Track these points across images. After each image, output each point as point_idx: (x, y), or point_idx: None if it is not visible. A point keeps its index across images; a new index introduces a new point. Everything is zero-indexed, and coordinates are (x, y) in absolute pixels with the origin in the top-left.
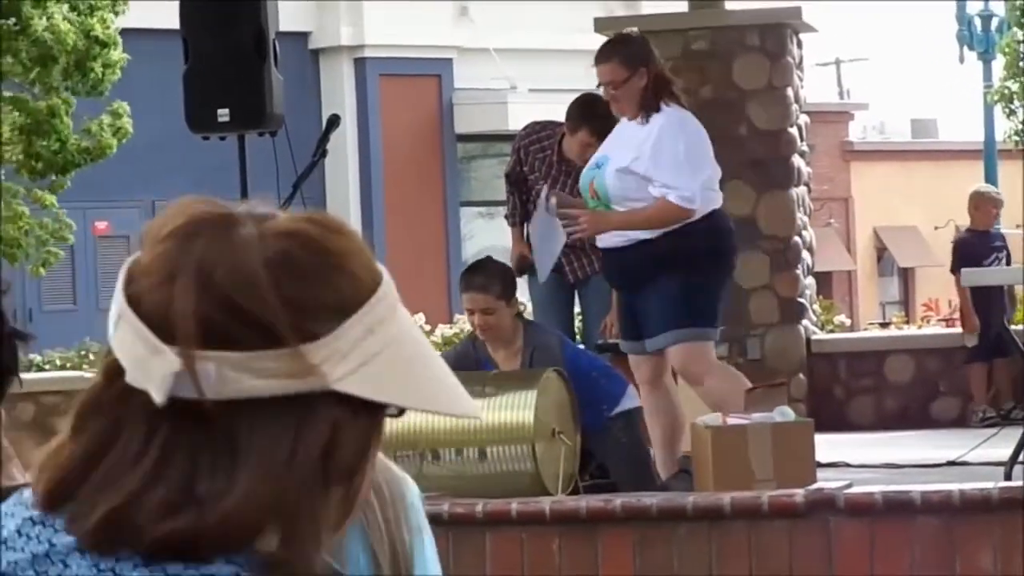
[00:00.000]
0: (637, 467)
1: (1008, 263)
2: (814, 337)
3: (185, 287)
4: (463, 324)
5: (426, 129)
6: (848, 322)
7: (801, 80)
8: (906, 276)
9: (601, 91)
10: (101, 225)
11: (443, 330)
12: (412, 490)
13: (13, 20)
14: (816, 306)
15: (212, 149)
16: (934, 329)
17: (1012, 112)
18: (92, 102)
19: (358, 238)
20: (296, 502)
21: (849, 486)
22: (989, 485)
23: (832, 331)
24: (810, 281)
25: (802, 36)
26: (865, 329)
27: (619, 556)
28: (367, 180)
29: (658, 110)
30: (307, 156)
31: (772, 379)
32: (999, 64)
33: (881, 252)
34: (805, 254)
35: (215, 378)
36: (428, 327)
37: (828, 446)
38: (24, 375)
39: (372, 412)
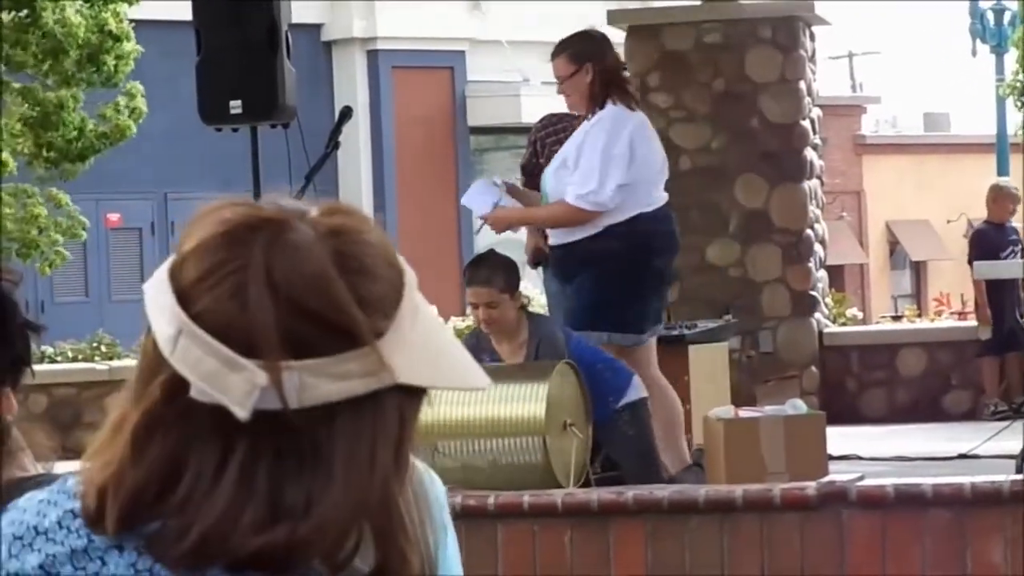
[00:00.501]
0: (644, 459)
1: (1023, 256)
2: (826, 330)
3: (260, 298)
4: None
5: (439, 122)
6: (860, 315)
7: (814, 73)
8: (918, 269)
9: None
10: (113, 217)
11: (455, 322)
12: (437, 486)
13: (25, 12)
14: (828, 299)
15: (224, 141)
16: (946, 322)
17: None
18: (105, 92)
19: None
20: (382, 500)
21: (861, 479)
22: (1000, 478)
23: (844, 324)
24: (822, 274)
25: (815, 29)
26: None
27: (631, 548)
28: (379, 172)
29: (603, 107)
30: (319, 148)
31: (784, 372)
32: (1011, 57)
33: (893, 245)
34: (817, 247)
35: (298, 387)
36: (441, 320)
37: (840, 439)
38: (36, 367)
39: (421, 398)
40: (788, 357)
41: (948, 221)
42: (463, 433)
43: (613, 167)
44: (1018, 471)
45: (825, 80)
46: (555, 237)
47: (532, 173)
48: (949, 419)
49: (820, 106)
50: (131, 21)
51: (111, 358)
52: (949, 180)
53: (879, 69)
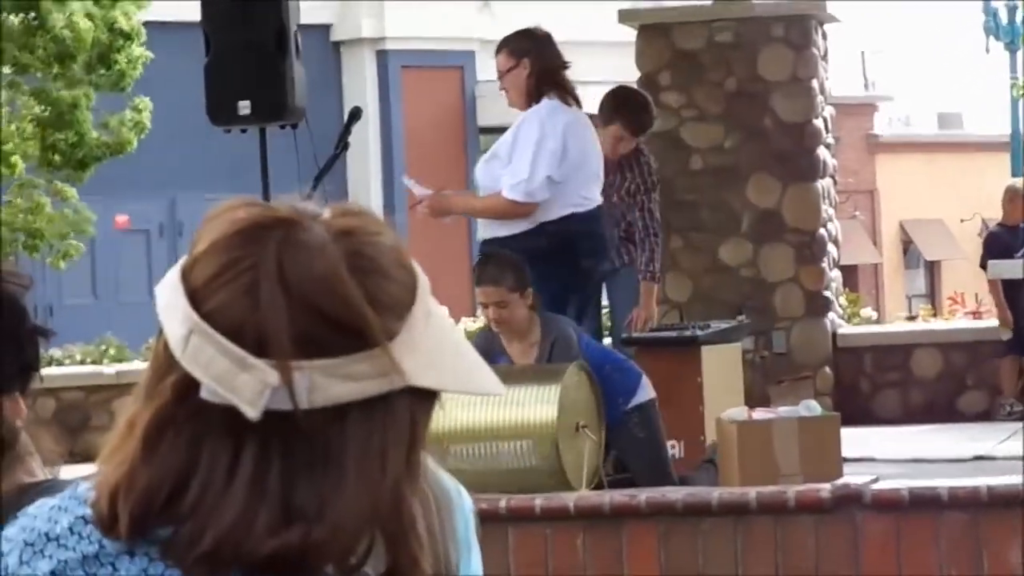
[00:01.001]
0: (654, 462)
1: None
2: (840, 330)
3: (272, 297)
4: None
5: (449, 122)
6: (874, 315)
7: (826, 72)
8: (932, 269)
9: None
10: (121, 219)
11: (466, 323)
12: (466, 502)
13: (32, 15)
14: (842, 299)
15: (233, 142)
16: (961, 323)
17: None
18: (113, 97)
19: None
20: (394, 503)
21: (875, 481)
22: (1017, 480)
23: (858, 324)
24: (836, 274)
25: (827, 27)
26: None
27: (644, 551)
28: (389, 173)
29: (538, 102)
30: (328, 149)
31: (798, 373)
32: None
33: (907, 245)
34: (831, 247)
35: (309, 388)
36: (453, 323)
37: (854, 440)
38: (44, 371)
39: (434, 400)
40: (802, 358)
41: (962, 220)
42: (474, 437)
43: (544, 159)
44: None
45: (838, 79)
46: (486, 230)
47: None
48: (964, 420)
49: (833, 105)
50: (141, 23)
51: (119, 361)
52: (963, 179)
53: (892, 67)
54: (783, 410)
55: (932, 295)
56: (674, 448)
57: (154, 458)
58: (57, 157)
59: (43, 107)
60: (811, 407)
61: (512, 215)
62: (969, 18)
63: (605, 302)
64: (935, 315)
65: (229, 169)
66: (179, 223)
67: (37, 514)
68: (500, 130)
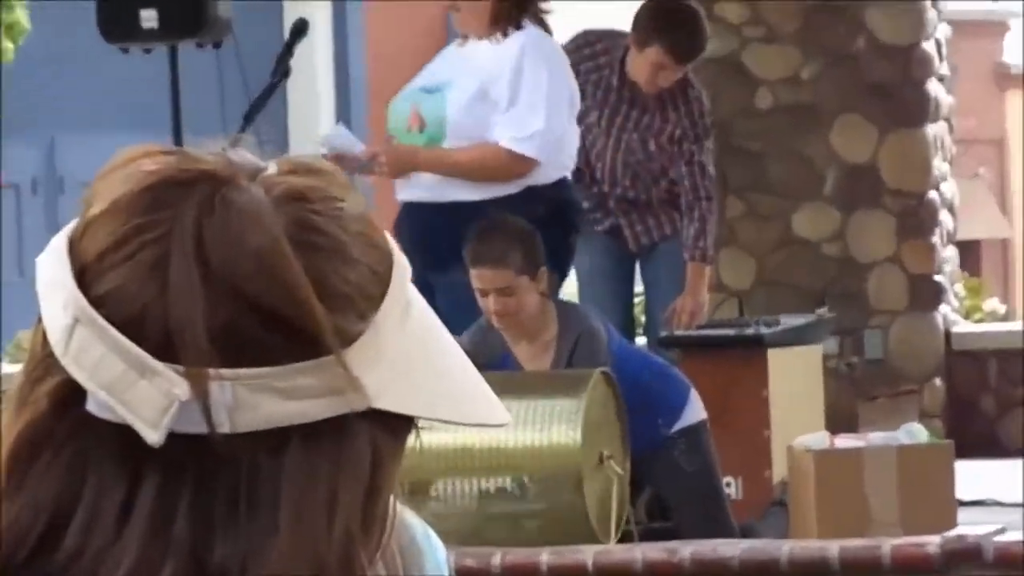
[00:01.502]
0: (704, 504)
1: None
2: (955, 329)
3: (186, 279)
4: None
5: (424, 45)
6: (1003, 309)
7: None
8: None
9: None
10: None
11: None
12: (438, 552)
13: None
14: (959, 287)
15: (133, 66)
16: None
17: None
18: None
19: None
20: (343, 562)
21: (1000, 532)
22: None
23: (980, 321)
24: (951, 252)
25: None
26: None
27: None
28: (346, 112)
29: (518, 27)
30: (263, 77)
31: (898, 386)
32: None
33: None
34: (944, 215)
35: (232, 405)
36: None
37: (973, 477)
38: None
39: (407, 430)
40: (903, 365)
41: None
42: (463, 469)
43: (561, 108)
44: None
45: None
46: (419, 191)
47: None
48: None
49: (949, 23)
50: None
51: None
52: None
53: None
54: (877, 436)
55: None
56: (731, 486)
57: (23, 487)
58: None
59: None
60: (915, 432)
61: (507, 175)
62: None
63: (638, 289)
64: None
65: (127, 104)
66: (59, 177)
67: None
68: None
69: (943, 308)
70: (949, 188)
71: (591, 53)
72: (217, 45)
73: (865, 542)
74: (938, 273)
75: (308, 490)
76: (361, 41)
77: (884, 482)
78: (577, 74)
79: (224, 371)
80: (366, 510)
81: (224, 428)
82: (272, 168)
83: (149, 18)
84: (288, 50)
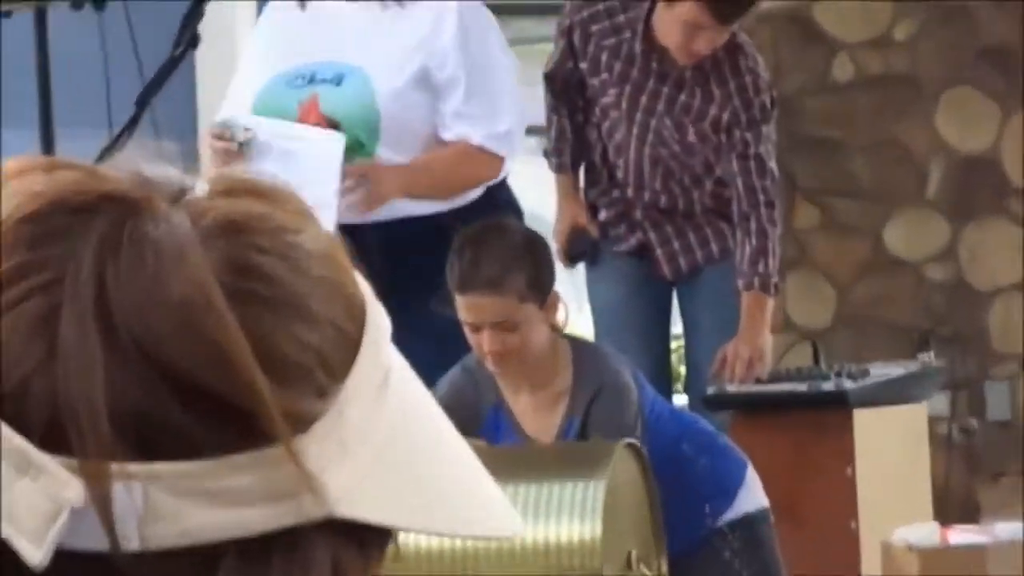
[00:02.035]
0: None
1: None
2: None
3: (79, 341)
4: None
5: None
6: None
7: None
8: None
9: None
10: None
11: None
12: None
13: None
14: None
15: None
16: None
17: None
18: None
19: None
20: None
21: None
22: None
23: None
24: None
25: None
26: None
27: None
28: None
29: None
30: (163, 49)
31: None
32: None
33: None
34: None
35: (142, 513)
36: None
37: None
38: None
39: (382, 543)
40: None
41: None
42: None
43: (516, 92)
44: None
45: None
46: (400, 205)
47: (564, 86)
48: None
49: None
50: None
51: None
52: None
53: None
54: (1005, 528)
55: None
56: None
57: None
58: None
59: None
60: None
61: (481, 180)
62: None
63: (676, 330)
64: None
65: None
66: None
67: None
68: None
69: None
70: None
71: (607, 10)
72: (100, 5)
73: None
74: None
75: None
76: None
77: None
78: (586, 39)
79: (132, 467)
80: None
81: (132, 544)
82: (201, 188)
83: None
84: (196, 11)
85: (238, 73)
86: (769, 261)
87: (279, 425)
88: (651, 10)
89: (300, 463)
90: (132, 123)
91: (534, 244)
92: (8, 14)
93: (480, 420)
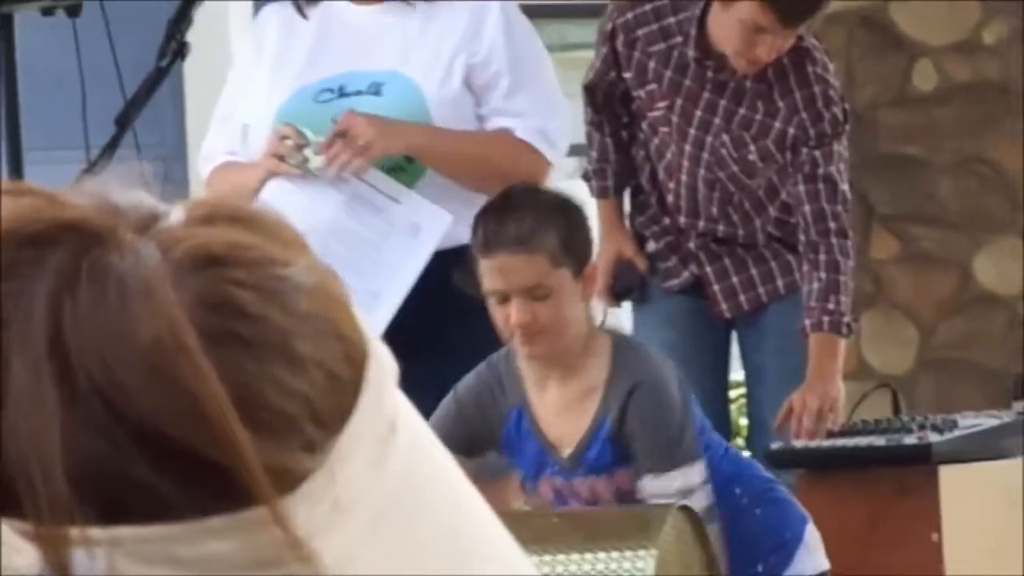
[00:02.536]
0: None
1: None
2: None
3: (32, 389)
4: None
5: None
6: None
7: None
8: None
9: None
10: None
11: None
12: None
13: None
14: None
15: None
16: None
17: None
18: None
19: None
20: None
21: None
22: None
23: None
24: None
25: None
26: None
27: None
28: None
29: None
30: (146, 60)
31: None
32: None
33: None
34: None
35: None
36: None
37: None
38: None
39: None
40: None
41: None
42: None
43: (563, 100)
44: None
45: None
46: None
47: (608, 99)
48: None
49: None
50: None
51: None
52: None
53: None
54: None
55: None
56: None
57: None
58: None
59: None
60: None
61: (523, 175)
62: None
63: (735, 376)
64: None
65: None
66: None
67: None
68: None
69: None
70: None
71: (655, 11)
72: (74, 11)
73: None
74: None
75: None
76: None
77: None
78: (632, 44)
79: (94, 531)
80: None
81: None
82: (176, 215)
83: None
84: (183, 16)
85: (233, 87)
86: (841, 298)
87: (261, 484)
88: (705, 11)
89: (286, 527)
90: (112, 145)
91: (568, 205)
92: None
93: (501, 423)
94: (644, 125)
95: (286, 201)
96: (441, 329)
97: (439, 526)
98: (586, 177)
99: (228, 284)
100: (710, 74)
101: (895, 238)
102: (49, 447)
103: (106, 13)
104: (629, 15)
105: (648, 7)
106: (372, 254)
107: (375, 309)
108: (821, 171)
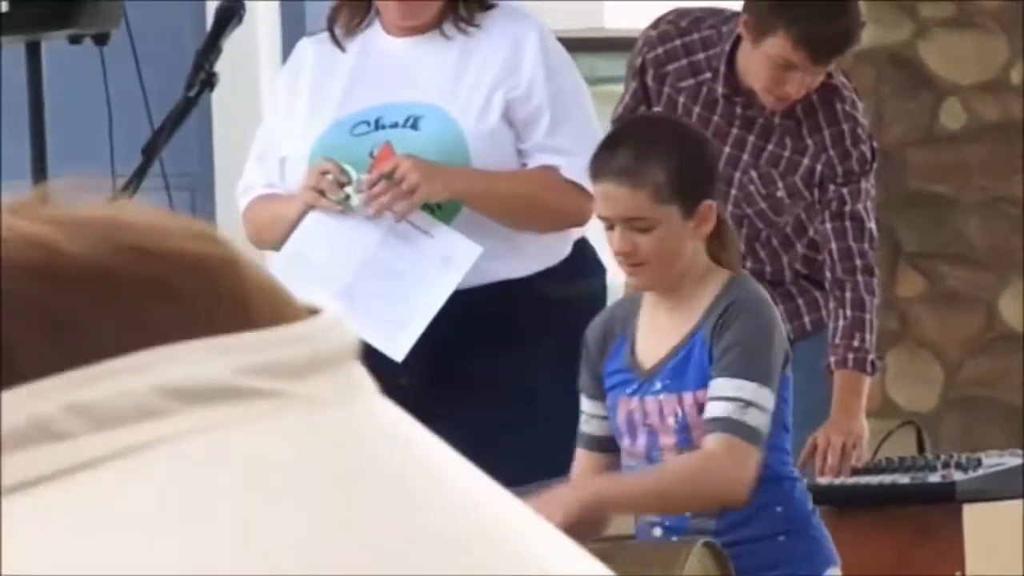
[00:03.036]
0: None
1: None
2: None
3: None
4: None
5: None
6: None
7: None
8: None
9: None
10: None
11: None
12: None
13: None
14: None
15: None
16: None
17: None
18: None
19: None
20: None
21: None
22: None
23: None
24: None
25: None
26: None
27: None
28: None
29: (487, 6)
30: (174, 90)
31: None
32: None
33: None
34: None
35: None
36: None
37: None
38: None
39: None
40: None
41: None
42: None
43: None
44: None
45: None
46: (487, 272)
47: None
48: None
49: None
50: None
51: None
52: None
53: None
54: None
55: None
56: None
57: None
58: None
59: None
60: None
61: (564, 219)
62: None
63: None
64: None
65: None
66: None
67: None
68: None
69: None
70: None
71: (684, 47)
72: (102, 40)
73: None
74: None
75: None
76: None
77: None
78: (661, 79)
79: None
80: None
81: None
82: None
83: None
84: (212, 46)
85: (271, 121)
86: (866, 335)
87: None
88: (734, 48)
89: None
90: (139, 174)
91: (689, 141)
92: None
93: (609, 350)
94: None
95: (324, 233)
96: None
97: None
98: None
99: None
100: (739, 110)
101: (922, 276)
102: None
103: (134, 42)
104: (659, 50)
105: (678, 42)
106: (403, 284)
107: (398, 336)
108: (848, 208)
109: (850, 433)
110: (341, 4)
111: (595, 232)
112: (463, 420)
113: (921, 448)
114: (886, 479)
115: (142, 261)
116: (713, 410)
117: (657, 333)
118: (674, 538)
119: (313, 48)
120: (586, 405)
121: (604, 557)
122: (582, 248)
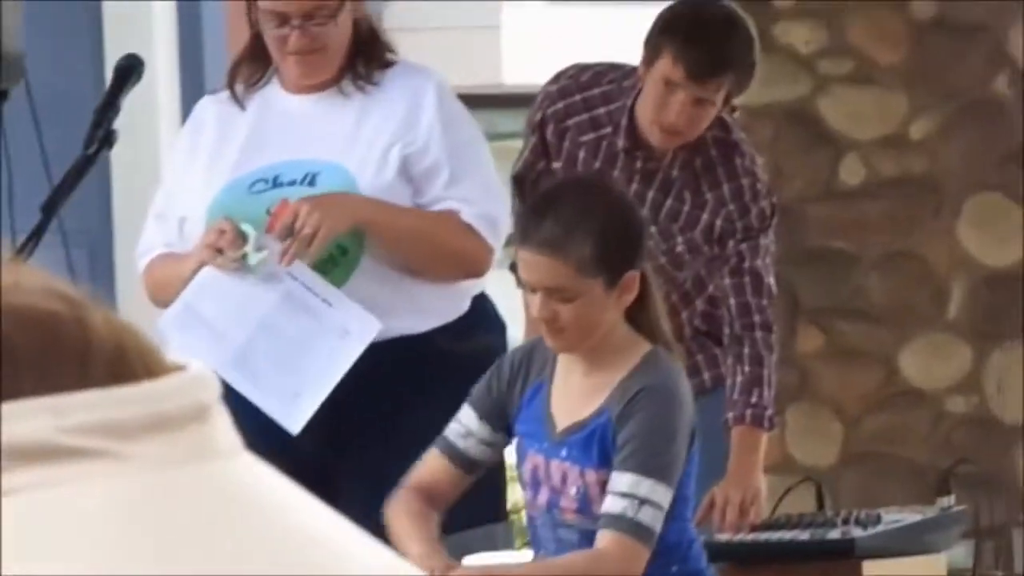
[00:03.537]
0: None
1: None
2: None
3: None
4: None
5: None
6: None
7: None
8: None
9: None
10: None
11: None
12: None
13: None
14: None
15: None
16: None
17: None
18: None
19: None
20: None
21: None
22: None
23: None
24: None
25: None
26: None
27: None
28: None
29: (386, 64)
30: (74, 147)
31: None
32: None
33: None
34: None
35: None
36: None
37: None
38: None
39: None
40: None
41: None
42: None
43: (503, 188)
44: None
45: None
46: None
47: (534, 189)
48: None
49: None
50: None
51: None
52: None
53: None
54: None
55: None
56: None
57: None
58: None
59: None
60: None
61: (462, 263)
62: None
63: None
64: None
65: None
66: None
67: None
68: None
69: None
70: None
71: (585, 101)
72: (2, 97)
73: None
74: None
75: None
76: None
77: None
78: (562, 133)
79: None
80: None
81: None
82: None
83: None
84: (111, 104)
85: (170, 180)
86: (764, 391)
87: None
88: (635, 101)
89: None
90: (38, 232)
91: (617, 211)
92: None
93: (523, 392)
94: None
95: (218, 289)
96: (395, 417)
97: None
98: (513, 268)
99: None
100: (639, 164)
101: (821, 332)
102: None
103: (33, 99)
104: (560, 104)
105: (578, 97)
106: (298, 354)
107: (294, 408)
108: (747, 265)
109: (748, 488)
110: (240, 62)
111: (494, 286)
112: (363, 474)
113: (821, 504)
114: (786, 535)
115: None
116: (609, 506)
117: (570, 397)
118: None
119: (213, 107)
120: (471, 422)
121: None
122: (481, 304)
